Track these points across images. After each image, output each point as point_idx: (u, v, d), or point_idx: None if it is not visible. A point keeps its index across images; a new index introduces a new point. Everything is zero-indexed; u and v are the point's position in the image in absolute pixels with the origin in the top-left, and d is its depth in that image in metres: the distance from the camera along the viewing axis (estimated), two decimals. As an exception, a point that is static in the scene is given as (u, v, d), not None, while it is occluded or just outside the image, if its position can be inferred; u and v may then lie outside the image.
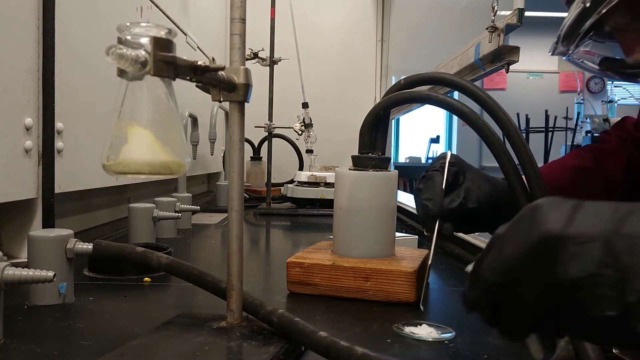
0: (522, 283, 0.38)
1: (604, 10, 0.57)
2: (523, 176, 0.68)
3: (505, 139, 0.69)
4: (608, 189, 0.86)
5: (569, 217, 0.37)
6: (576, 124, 4.56)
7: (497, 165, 0.69)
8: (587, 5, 0.58)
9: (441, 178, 0.72)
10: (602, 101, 4.61)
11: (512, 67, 1.05)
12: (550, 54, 0.71)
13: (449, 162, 0.73)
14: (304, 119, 1.89)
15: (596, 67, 0.66)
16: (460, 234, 1.04)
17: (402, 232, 1.05)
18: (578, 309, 0.36)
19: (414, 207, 0.77)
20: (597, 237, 0.36)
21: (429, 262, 0.68)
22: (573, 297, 0.36)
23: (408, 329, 0.60)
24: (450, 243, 0.86)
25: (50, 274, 0.55)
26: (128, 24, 0.42)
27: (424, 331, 0.59)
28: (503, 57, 1.08)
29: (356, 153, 0.78)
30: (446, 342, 0.58)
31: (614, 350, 0.50)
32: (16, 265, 0.54)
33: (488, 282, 0.40)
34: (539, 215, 0.38)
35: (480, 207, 0.74)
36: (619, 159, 0.87)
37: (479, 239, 1.03)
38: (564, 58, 0.66)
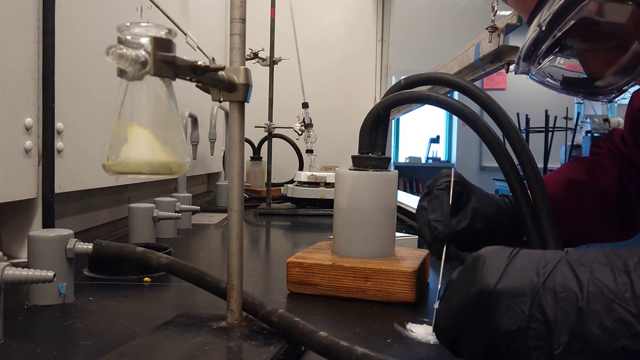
0: (467, 331, 0.43)
1: (559, 34, 0.57)
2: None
3: (505, 140, 0.69)
4: (602, 200, 0.86)
5: (502, 271, 0.41)
6: (576, 124, 4.56)
7: (497, 165, 0.69)
8: (543, 28, 0.58)
9: (448, 198, 0.70)
10: (602, 101, 4.61)
11: (512, 72, 1.05)
12: (514, 73, 0.72)
13: (454, 181, 0.71)
14: (304, 119, 1.89)
15: (558, 85, 0.66)
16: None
17: (402, 232, 1.05)
18: (515, 357, 0.40)
19: (414, 207, 0.76)
20: (526, 292, 0.40)
21: (439, 287, 0.66)
22: (509, 347, 0.40)
23: (409, 328, 0.60)
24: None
25: (50, 274, 0.55)
26: (128, 24, 0.42)
27: (425, 331, 0.59)
28: (503, 57, 1.08)
29: (356, 153, 0.78)
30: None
31: None
32: (16, 265, 0.54)
33: (441, 327, 0.46)
34: (478, 268, 0.43)
35: (486, 227, 0.73)
36: (611, 171, 0.87)
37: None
38: (527, 77, 0.67)
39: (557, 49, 0.63)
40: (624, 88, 0.60)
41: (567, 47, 0.63)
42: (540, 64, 0.64)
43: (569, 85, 0.66)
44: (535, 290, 0.40)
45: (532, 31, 0.60)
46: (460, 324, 0.44)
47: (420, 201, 0.74)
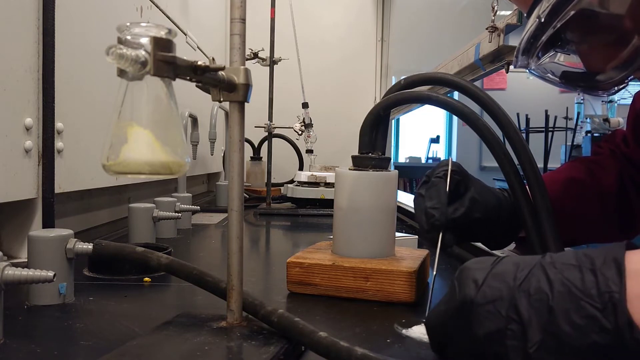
0: (453, 337, 0.46)
1: (558, 25, 0.58)
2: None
3: (505, 140, 0.69)
4: (602, 200, 0.86)
5: (484, 278, 0.44)
6: (576, 124, 4.56)
7: (497, 165, 0.69)
8: (542, 20, 0.58)
9: (445, 186, 0.70)
10: (602, 101, 4.61)
11: (512, 67, 1.05)
12: (513, 66, 0.72)
13: (452, 170, 0.72)
14: (304, 119, 1.89)
15: (557, 79, 0.66)
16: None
17: (402, 232, 1.05)
18: (496, 359, 0.42)
19: (414, 207, 0.76)
20: (504, 296, 0.42)
21: (434, 274, 0.66)
22: (490, 349, 0.42)
23: (408, 329, 0.60)
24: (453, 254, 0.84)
25: (50, 274, 0.55)
26: (128, 24, 0.42)
27: (424, 330, 0.59)
28: (503, 57, 1.09)
29: (356, 153, 0.78)
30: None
31: None
32: (16, 265, 0.54)
33: (430, 332, 0.50)
34: (462, 277, 0.45)
35: (483, 217, 0.73)
36: (612, 171, 0.87)
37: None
38: (527, 71, 0.67)
39: (556, 44, 0.63)
40: (625, 81, 0.61)
41: (566, 41, 0.63)
42: (540, 57, 0.64)
43: (568, 80, 0.66)
44: (511, 294, 0.42)
45: (531, 23, 0.60)
46: (445, 331, 0.46)
47: (418, 188, 0.74)
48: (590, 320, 0.38)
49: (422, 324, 0.61)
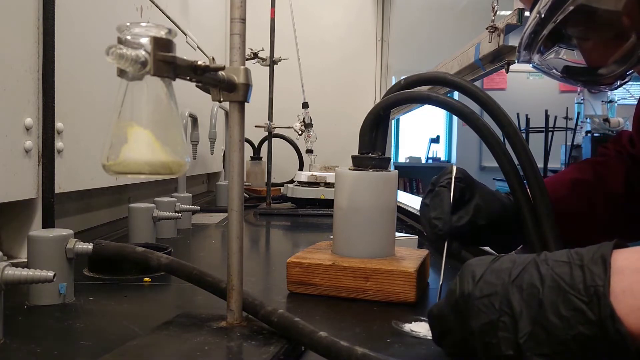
0: (451, 328, 0.48)
1: (557, 20, 0.59)
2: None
3: (505, 140, 0.69)
4: (608, 201, 0.86)
5: (481, 275, 0.46)
6: (576, 124, 4.55)
7: (497, 165, 0.69)
8: (542, 15, 0.60)
9: (449, 195, 0.71)
10: (602, 101, 4.60)
11: (512, 67, 1.05)
12: (516, 61, 0.73)
13: (456, 177, 0.72)
14: (304, 118, 1.89)
15: (559, 74, 0.67)
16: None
17: (402, 232, 1.05)
18: (489, 349, 0.44)
19: (414, 207, 0.76)
20: (499, 291, 0.44)
21: (441, 283, 0.66)
22: (483, 340, 0.44)
23: (407, 326, 0.60)
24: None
25: (50, 274, 0.55)
26: (128, 24, 0.42)
27: (423, 328, 0.59)
28: (503, 57, 1.08)
29: (356, 153, 0.78)
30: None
31: None
32: (16, 265, 0.54)
33: (431, 323, 0.52)
34: (462, 275, 0.48)
35: (488, 224, 0.73)
36: (619, 172, 0.87)
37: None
38: (530, 65, 0.68)
39: (557, 39, 0.64)
40: (626, 74, 0.62)
41: (566, 36, 0.64)
42: (542, 53, 0.65)
43: (570, 74, 0.67)
44: (505, 288, 0.44)
45: (531, 19, 0.62)
46: (445, 322, 0.49)
47: (423, 198, 0.75)
48: (576, 312, 0.40)
49: (416, 322, 0.61)
